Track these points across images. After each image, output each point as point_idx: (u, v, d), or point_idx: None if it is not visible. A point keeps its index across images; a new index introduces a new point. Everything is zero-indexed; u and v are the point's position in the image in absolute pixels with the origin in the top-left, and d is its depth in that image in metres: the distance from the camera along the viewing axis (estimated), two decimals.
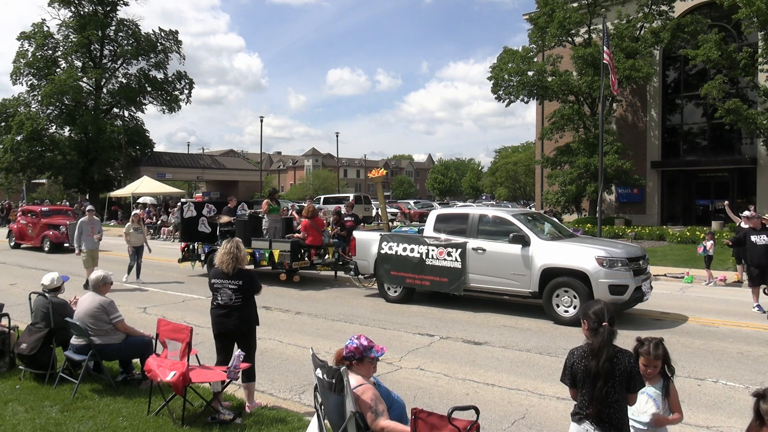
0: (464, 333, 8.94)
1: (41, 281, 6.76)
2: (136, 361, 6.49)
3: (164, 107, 46.61)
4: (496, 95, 29.39)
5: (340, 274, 14.16)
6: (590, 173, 26.49)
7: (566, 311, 9.34)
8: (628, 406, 3.51)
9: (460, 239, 10.40)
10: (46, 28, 43.09)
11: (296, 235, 13.68)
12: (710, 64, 24.75)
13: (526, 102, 30.19)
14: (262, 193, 50.30)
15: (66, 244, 20.32)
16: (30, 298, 7.00)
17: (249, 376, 5.62)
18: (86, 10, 43.56)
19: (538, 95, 29.31)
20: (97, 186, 43.68)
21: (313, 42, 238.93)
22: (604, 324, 3.47)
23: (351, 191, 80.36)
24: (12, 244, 22.60)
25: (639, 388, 3.47)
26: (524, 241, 9.69)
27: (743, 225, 13.20)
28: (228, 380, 5.35)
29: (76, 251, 13.09)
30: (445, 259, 10.42)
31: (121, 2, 44.75)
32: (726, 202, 14.69)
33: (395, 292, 11.39)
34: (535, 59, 29.69)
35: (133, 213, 14.79)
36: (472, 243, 10.23)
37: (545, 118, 31.41)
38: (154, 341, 6.02)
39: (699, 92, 25.93)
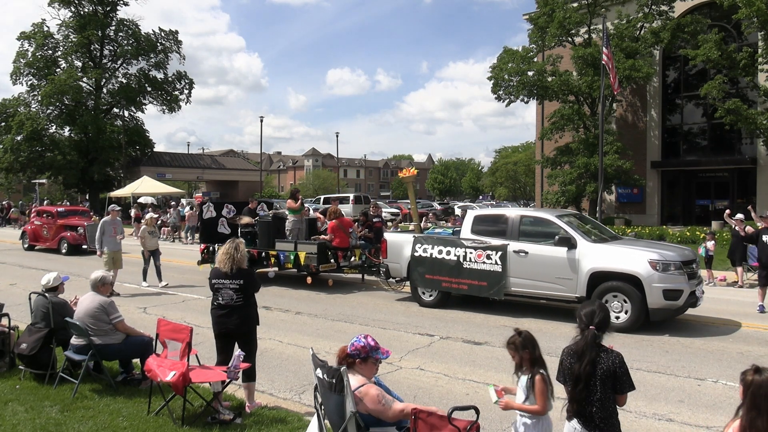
0: (464, 333, 8.94)
1: (41, 281, 6.76)
2: (136, 361, 6.49)
3: (164, 107, 46.63)
4: (496, 95, 29.42)
5: (368, 277, 13.57)
6: (590, 173, 26.50)
7: (617, 317, 8.82)
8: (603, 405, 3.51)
9: (500, 241, 9.97)
10: (46, 28, 43.11)
11: (322, 237, 13.25)
12: (710, 64, 24.77)
13: (526, 102, 30.23)
14: (263, 193, 50.35)
15: (84, 246, 19.73)
16: (30, 298, 7.00)
17: (249, 376, 5.62)
18: (86, 10, 43.57)
19: (538, 95, 29.33)
20: (97, 186, 43.69)
21: (313, 42, 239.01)
22: (590, 327, 3.47)
23: (351, 191, 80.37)
24: (26, 245, 21.80)
25: (627, 390, 3.46)
26: (570, 244, 9.23)
27: (737, 228, 13.32)
28: (228, 380, 5.35)
29: (98, 253, 12.45)
30: (484, 262, 9.97)
31: (121, 2, 44.78)
32: (727, 211, 14.67)
33: (430, 296, 10.91)
34: (535, 59, 29.71)
35: (148, 215, 14.13)
36: (514, 245, 9.80)
37: (545, 118, 31.42)
38: (154, 341, 6.03)
39: (699, 92, 25.96)
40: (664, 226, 26.33)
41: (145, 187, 34.94)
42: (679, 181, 31.66)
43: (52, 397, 5.89)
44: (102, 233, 12.33)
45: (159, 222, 27.78)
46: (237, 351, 5.38)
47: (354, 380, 4.01)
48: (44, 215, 21.88)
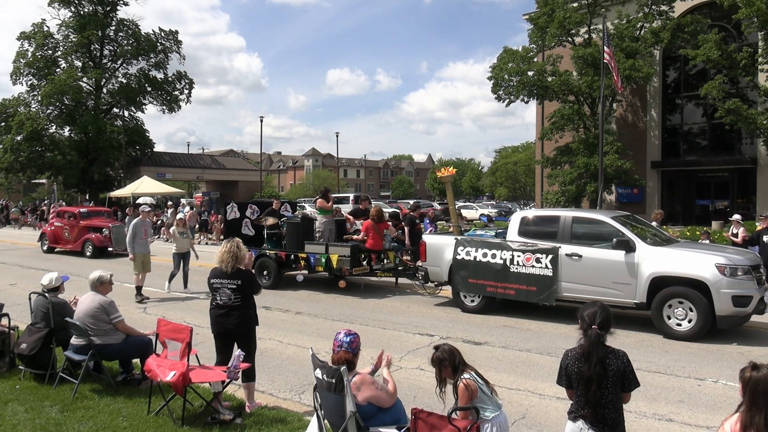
0: (464, 333, 8.94)
1: (41, 281, 6.77)
2: (136, 361, 6.50)
3: (164, 107, 46.58)
4: (496, 95, 29.42)
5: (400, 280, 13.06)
6: (590, 173, 26.50)
7: (679, 324, 8.47)
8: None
9: (550, 244, 9.51)
10: (46, 28, 43.06)
11: (354, 237, 12.70)
12: (710, 64, 24.77)
13: (526, 102, 30.22)
14: (262, 193, 50.31)
15: (110, 249, 18.96)
16: (30, 298, 7.01)
17: (249, 376, 5.62)
18: (86, 10, 43.53)
19: (538, 95, 29.32)
20: (97, 186, 43.68)
21: (313, 42, 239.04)
22: (593, 327, 3.48)
23: (351, 191, 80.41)
24: (45, 248, 20.83)
25: (633, 387, 3.50)
26: (629, 247, 8.79)
27: (747, 229, 13.52)
28: (228, 380, 5.35)
29: (131, 256, 11.87)
30: (533, 266, 9.53)
31: (121, 2, 44.71)
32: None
33: (473, 301, 10.43)
34: (535, 59, 29.70)
35: (178, 217, 13.47)
36: (566, 248, 9.31)
37: (545, 118, 31.42)
38: (154, 341, 6.03)
39: (699, 92, 25.96)
40: (664, 226, 26.28)
41: (145, 187, 34.90)
42: (679, 181, 31.66)
43: (52, 397, 5.89)
44: (134, 235, 11.85)
45: (159, 222, 27.78)
46: (237, 351, 5.39)
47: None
48: (65, 216, 20.79)
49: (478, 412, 3.70)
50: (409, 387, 6.41)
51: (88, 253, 19.36)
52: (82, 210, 21.32)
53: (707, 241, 14.24)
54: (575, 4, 28.12)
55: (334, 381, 3.98)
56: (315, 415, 4.44)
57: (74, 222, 20.20)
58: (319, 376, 4.18)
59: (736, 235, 13.50)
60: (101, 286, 6.45)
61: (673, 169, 31.55)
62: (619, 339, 8.17)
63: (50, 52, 43.53)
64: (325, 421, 4.31)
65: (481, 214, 39.61)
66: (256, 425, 5.21)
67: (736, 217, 13.87)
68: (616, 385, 3.44)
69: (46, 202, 40.17)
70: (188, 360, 5.40)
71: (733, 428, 2.90)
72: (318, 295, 12.28)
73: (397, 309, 10.87)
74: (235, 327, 5.60)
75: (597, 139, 23.00)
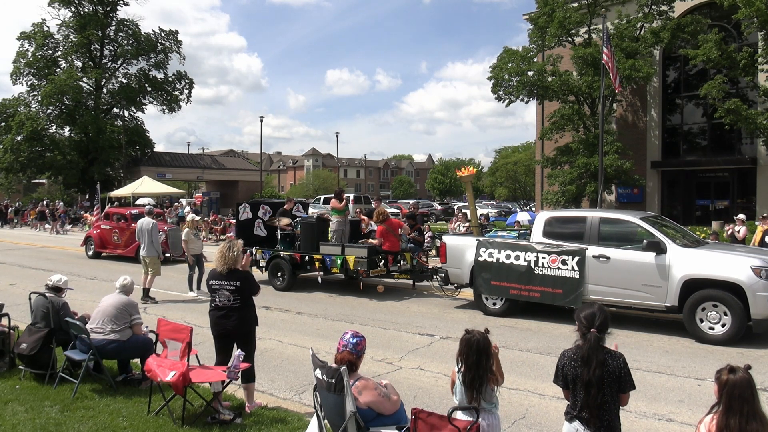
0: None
1: (48, 280, 6.83)
2: (136, 361, 6.52)
3: (164, 107, 46.66)
4: (496, 95, 29.38)
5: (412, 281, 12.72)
6: (590, 173, 26.48)
7: (712, 328, 8.26)
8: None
9: (576, 245, 9.31)
10: (46, 28, 43.12)
11: (371, 240, 12.47)
12: (710, 64, 24.74)
13: (526, 102, 30.20)
14: (262, 193, 50.32)
15: (168, 254, 16.54)
16: (30, 298, 7.01)
17: (248, 377, 5.62)
18: (86, 10, 43.58)
19: (538, 95, 29.30)
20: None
21: (313, 42, 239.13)
22: (591, 330, 3.47)
23: (351, 191, 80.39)
24: (90, 253, 19.21)
25: (630, 389, 3.49)
26: (659, 249, 8.59)
27: (736, 232, 13.71)
28: (228, 380, 5.35)
29: (158, 257, 11.59)
30: (559, 268, 9.34)
31: (121, 2, 44.79)
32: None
33: (495, 304, 10.22)
34: (535, 59, 29.69)
35: (189, 217, 12.93)
36: (593, 250, 9.12)
37: (545, 118, 31.41)
38: (154, 341, 6.04)
39: (699, 92, 25.93)
40: None
41: (145, 187, 34.91)
42: (679, 181, 31.64)
43: (52, 397, 5.89)
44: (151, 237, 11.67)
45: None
46: (237, 351, 5.39)
47: (351, 377, 4.07)
48: (114, 218, 19.12)
49: (477, 412, 3.69)
50: (409, 387, 6.42)
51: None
52: (133, 211, 19.34)
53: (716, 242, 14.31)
54: (575, 4, 28.10)
55: (334, 381, 3.98)
56: (315, 415, 4.45)
57: (125, 225, 18.40)
58: (319, 376, 4.18)
59: (738, 232, 13.66)
60: (130, 291, 6.70)
61: (673, 169, 31.53)
62: (620, 339, 8.17)
63: (50, 52, 43.59)
64: (325, 421, 4.31)
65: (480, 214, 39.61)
66: (256, 425, 5.21)
67: (741, 216, 14.03)
68: (612, 387, 3.43)
69: (45, 202, 40.15)
70: (188, 360, 5.40)
71: (709, 428, 2.93)
72: (318, 295, 12.28)
73: (397, 309, 10.87)
74: (234, 328, 5.60)
75: (597, 139, 23.01)
